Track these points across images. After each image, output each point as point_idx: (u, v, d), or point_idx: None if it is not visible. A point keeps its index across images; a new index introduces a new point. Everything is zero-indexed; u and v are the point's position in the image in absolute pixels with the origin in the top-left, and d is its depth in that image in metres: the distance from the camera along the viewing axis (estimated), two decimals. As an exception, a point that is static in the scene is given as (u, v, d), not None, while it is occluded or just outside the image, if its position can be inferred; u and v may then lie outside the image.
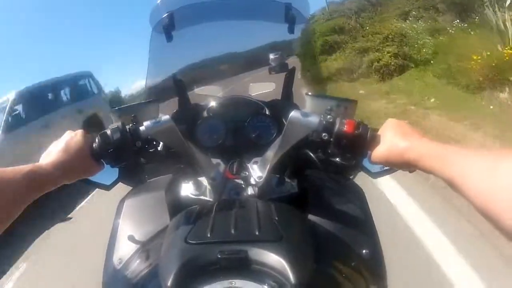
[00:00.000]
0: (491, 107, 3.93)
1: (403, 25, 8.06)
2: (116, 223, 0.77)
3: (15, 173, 0.51)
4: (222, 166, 0.82)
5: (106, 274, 0.70)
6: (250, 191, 0.75)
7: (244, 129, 0.93)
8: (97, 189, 0.74)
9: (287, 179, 0.78)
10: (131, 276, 0.64)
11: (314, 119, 0.63)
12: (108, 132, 0.64)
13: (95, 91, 6.86)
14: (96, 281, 0.73)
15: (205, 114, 1.02)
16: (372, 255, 0.68)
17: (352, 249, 0.68)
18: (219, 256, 0.49)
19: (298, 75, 1.16)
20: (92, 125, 5.63)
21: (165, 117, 0.69)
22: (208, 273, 0.48)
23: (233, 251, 0.49)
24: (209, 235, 0.53)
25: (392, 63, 6.78)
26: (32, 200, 0.53)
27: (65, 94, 6.12)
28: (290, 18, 1.07)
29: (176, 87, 1.09)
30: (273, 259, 0.48)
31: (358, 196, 0.78)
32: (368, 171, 0.76)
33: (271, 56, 1.44)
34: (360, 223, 0.72)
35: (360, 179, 0.85)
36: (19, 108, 4.90)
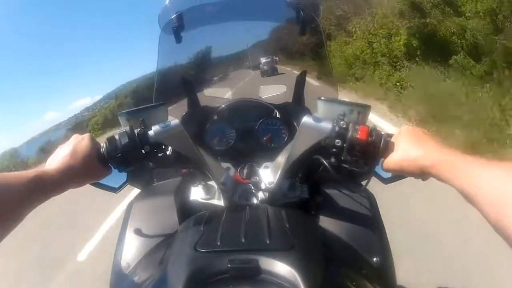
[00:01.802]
0: None
1: None
2: (125, 226, 0.76)
3: (20, 178, 0.50)
4: (232, 170, 0.81)
5: (113, 278, 0.69)
6: (260, 196, 0.74)
7: (255, 133, 0.92)
8: None
9: (298, 185, 0.77)
10: (138, 281, 0.63)
11: (326, 125, 0.62)
12: (116, 136, 0.63)
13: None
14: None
15: (214, 117, 1.01)
16: (383, 263, 0.67)
17: (362, 257, 0.66)
18: (229, 265, 0.47)
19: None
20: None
21: (174, 121, 0.68)
22: (217, 282, 0.47)
23: (243, 260, 0.48)
24: (218, 243, 0.52)
25: None
26: (36, 206, 0.52)
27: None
28: (300, 19, 1.05)
29: (186, 89, 1.08)
30: (284, 269, 0.47)
31: (370, 203, 0.76)
32: (380, 177, 0.74)
33: (263, 60, 1.41)
34: (371, 230, 0.71)
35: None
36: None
